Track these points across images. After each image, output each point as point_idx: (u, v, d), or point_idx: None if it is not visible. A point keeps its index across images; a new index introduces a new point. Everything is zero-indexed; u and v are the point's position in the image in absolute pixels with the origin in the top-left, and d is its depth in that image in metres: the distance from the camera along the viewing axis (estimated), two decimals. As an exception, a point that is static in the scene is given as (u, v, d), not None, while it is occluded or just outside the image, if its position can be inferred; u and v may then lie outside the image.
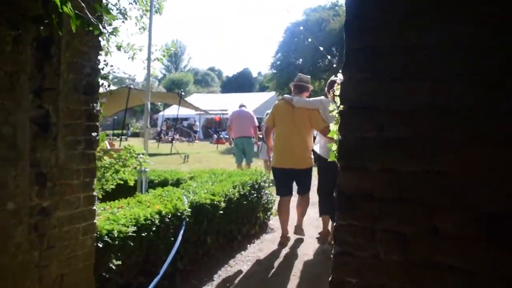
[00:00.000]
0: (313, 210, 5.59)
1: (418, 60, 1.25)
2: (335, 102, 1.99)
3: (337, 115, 1.86)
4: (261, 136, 10.52)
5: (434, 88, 1.22)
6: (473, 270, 1.17)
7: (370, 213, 1.32)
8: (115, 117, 31.97)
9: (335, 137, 1.86)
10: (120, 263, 2.91)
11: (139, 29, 4.71)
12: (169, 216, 3.52)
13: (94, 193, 2.85)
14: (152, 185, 5.47)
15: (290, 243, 4.92)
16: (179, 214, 3.65)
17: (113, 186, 3.73)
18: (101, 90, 3.35)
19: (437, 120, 1.22)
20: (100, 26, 2.34)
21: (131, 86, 17.02)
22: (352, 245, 1.35)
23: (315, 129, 4.85)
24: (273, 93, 33.69)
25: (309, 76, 5.12)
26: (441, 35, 1.21)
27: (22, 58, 2.25)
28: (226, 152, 18.72)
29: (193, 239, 3.88)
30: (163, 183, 5.54)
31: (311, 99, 4.80)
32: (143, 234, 3.17)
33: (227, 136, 13.53)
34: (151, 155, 12.03)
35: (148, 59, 5.14)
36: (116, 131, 27.40)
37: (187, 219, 3.74)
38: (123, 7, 4.19)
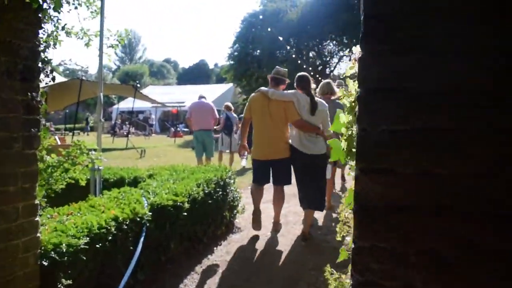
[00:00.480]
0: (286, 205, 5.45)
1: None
2: (345, 85, 1.65)
3: (347, 103, 1.52)
4: (218, 128, 10.22)
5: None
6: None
7: (401, 230, 1.01)
8: (67, 111, 30.65)
9: (343, 131, 1.52)
10: (71, 282, 2.47)
11: (91, 12, 4.21)
12: (127, 223, 3.10)
13: (36, 201, 2.39)
14: (107, 184, 4.99)
15: (260, 242, 4.64)
16: (138, 219, 3.24)
17: (62, 186, 3.34)
18: (43, 77, 2.88)
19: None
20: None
21: (83, 78, 16.52)
22: (377, 273, 1.03)
23: (289, 121, 4.80)
24: (230, 84, 33.18)
25: (286, 69, 5.13)
26: None
27: None
28: (184, 146, 18.22)
29: (154, 245, 3.48)
30: (119, 183, 5.07)
31: (285, 91, 4.87)
32: (97, 246, 2.74)
33: (186, 129, 13.07)
34: (105, 150, 11.29)
35: (100, 45, 4.57)
36: (68, 125, 26.17)
37: (148, 224, 3.33)
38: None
